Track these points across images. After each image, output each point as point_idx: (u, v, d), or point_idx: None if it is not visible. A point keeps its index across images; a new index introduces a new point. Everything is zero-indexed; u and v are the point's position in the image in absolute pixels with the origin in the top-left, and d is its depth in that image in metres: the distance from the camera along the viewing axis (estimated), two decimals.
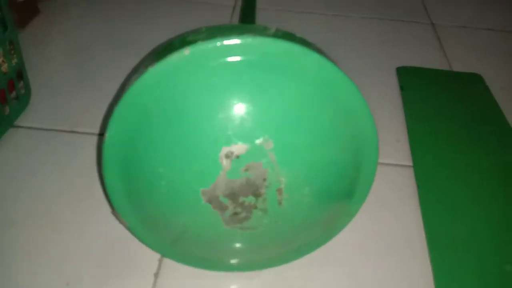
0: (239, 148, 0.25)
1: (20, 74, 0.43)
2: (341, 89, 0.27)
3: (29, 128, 0.43)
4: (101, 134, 0.43)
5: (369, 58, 0.58)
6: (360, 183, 0.30)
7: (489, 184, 0.41)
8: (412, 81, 0.53)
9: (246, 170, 0.26)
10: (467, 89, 0.52)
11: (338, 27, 0.63)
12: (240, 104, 0.25)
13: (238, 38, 0.25)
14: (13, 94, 0.43)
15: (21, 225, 0.35)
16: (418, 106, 0.50)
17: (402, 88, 0.52)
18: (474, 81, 0.53)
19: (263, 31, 0.26)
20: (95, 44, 0.55)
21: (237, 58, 0.25)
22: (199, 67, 0.25)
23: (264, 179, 0.26)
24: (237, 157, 0.25)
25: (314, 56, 0.26)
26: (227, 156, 0.25)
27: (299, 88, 0.26)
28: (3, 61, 0.40)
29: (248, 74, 0.25)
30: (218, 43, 0.25)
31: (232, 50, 0.25)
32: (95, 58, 0.53)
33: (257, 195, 0.26)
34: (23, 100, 0.44)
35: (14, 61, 0.42)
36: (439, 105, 0.50)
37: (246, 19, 0.51)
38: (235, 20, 0.61)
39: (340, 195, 0.29)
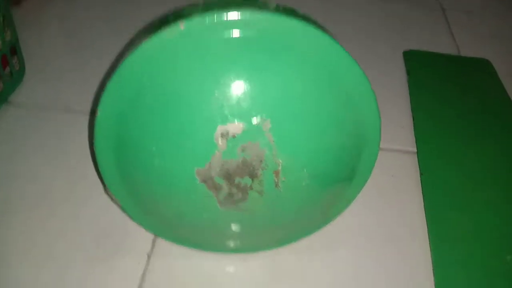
0: (235, 127, 0.24)
1: (14, 50, 0.42)
2: (345, 70, 0.25)
3: (22, 104, 0.42)
4: (93, 113, 0.42)
5: (376, 42, 0.56)
6: (361, 167, 0.29)
7: (494, 173, 0.40)
8: (419, 66, 0.51)
9: (243, 150, 0.24)
10: (474, 74, 0.50)
11: (345, 9, 0.62)
12: (237, 82, 0.24)
13: (235, 12, 0.23)
14: (7, 70, 0.42)
15: (13, 202, 0.34)
16: (424, 91, 0.48)
17: (408, 72, 0.50)
18: (482, 66, 0.51)
19: (263, 6, 0.25)
20: (90, 22, 0.54)
21: (235, 34, 0.24)
22: (195, 42, 0.24)
23: (261, 161, 0.25)
24: (233, 136, 0.24)
25: (316, 34, 0.24)
26: (223, 135, 0.24)
27: (299, 68, 0.24)
28: None
29: (246, 51, 0.24)
30: (215, 18, 0.23)
31: (229, 25, 0.23)
32: (89, 36, 0.52)
33: (253, 176, 0.25)
34: (17, 77, 0.43)
35: (8, 36, 0.40)
36: (445, 90, 0.48)
37: None
38: None
39: (339, 179, 0.28)
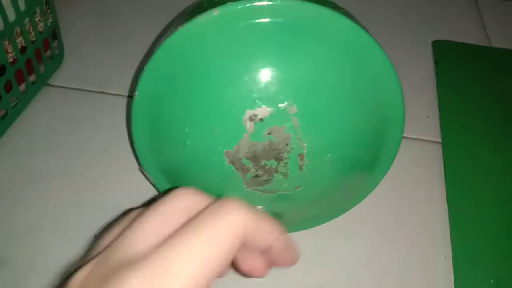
0: (263, 111, 0.25)
1: (54, 34, 0.44)
2: (371, 57, 0.26)
3: (62, 87, 0.45)
4: (130, 96, 0.44)
5: (404, 30, 0.56)
6: (384, 154, 0.30)
7: None
8: (448, 56, 0.51)
9: (269, 133, 0.26)
10: (505, 67, 0.50)
11: None
12: (267, 67, 0.25)
13: (268, 0, 0.24)
14: (48, 53, 0.44)
15: (48, 180, 0.37)
16: (452, 81, 0.48)
17: (436, 62, 0.50)
18: None
19: None
20: (127, 5, 0.56)
21: (266, 20, 0.25)
22: (228, 28, 0.25)
23: (287, 144, 0.26)
24: (261, 120, 0.25)
25: (344, 21, 0.25)
26: (251, 119, 0.25)
27: (327, 53, 0.25)
28: (39, 21, 0.41)
29: (276, 37, 0.25)
30: (248, 4, 0.24)
31: (261, 12, 0.25)
32: (126, 19, 0.54)
33: (278, 159, 0.27)
34: (57, 60, 0.46)
35: (50, 20, 0.43)
36: (474, 82, 0.48)
37: None
38: None
39: (362, 164, 0.29)
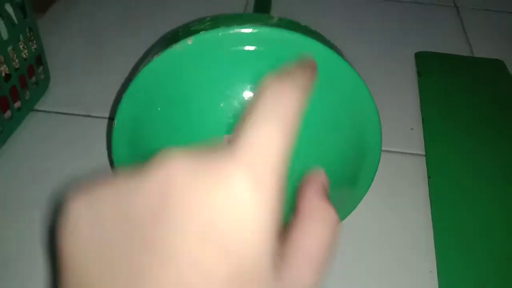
0: None
1: (39, 59, 0.45)
2: (344, 79, 0.27)
3: (48, 112, 0.45)
4: (111, 118, 0.44)
5: (387, 43, 0.56)
6: (363, 173, 0.30)
7: (506, 179, 0.40)
8: (430, 67, 0.52)
9: None
10: (487, 76, 0.50)
11: (356, 10, 0.62)
12: (242, 93, 0.26)
13: (239, 28, 0.25)
14: (33, 79, 0.44)
15: (35, 205, 0.37)
16: (435, 93, 0.48)
17: (419, 74, 0.51)
18: (495, 68, 0.51)
19: (266, 20, 0.26)
20: (112, 28, 0.56)
21: (239, 48, 0.25)
22: (202, 56, 0.25)
23: None
24: None
25: (317, 46, 0.26)
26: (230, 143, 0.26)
27: None
28: (23, 47, 0.41)
29: (250, 63, 0.26)
30: (220, 33, 0.25)
31: (233, 40, 0.25)
32: (111, 42, 0.54)
33: None
34: (43, 85, 0.46)
35: (34, 47, 0.43)
36: (457, 93, 0.48)
37: (260, 9, 0.51)
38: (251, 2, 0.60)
39: (342, 183, 0.30)
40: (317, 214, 0.17)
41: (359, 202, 0.32)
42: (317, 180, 0.19)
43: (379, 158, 0.30)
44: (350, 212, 0.32)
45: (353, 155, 0.29)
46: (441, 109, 0.47)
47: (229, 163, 0.13)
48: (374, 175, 0.31)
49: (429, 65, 0.52)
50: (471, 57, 0.53)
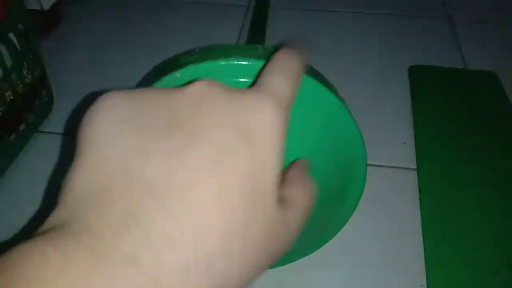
0: None
1: (42, 82, 0.46)
2: (324, 103, 0.28)
3: (52, 133, 0.47)
4: None
5: (381, 57, 0.57)
6: (350, 192, 0.31)
7: (497, 195, 0.40)
8: (424, 81, 0.53)
9: None
10: (479, 88, 0.51)
11: (350, 24, 0.63)
12: None
13: (225, 61, 0.26)
14: (37, 102, 0.46)
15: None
16: (428, 107, 0.49)
17: (412, 88, 0.52)
18: (487, 80, 0.52)
19: (252, 51, 0.27)
20: (116, 49, 0.58)
21: (226, 79, 0.27)
22: None
23: None
24: None
25: (309, 82, 0.26)
26: None
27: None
28: (26, 73, 0.43)
29: None
30: (206, 66, 0.26)
31: (220, 72, 0.26)
32: (115, 63, 0.56)
33: None
34: (46, 107, 0.48)
35: (37, 72, 0.45)
36: (449, 106, 0.49)
37: (253, 40, 0.53)
38: (248, 20, 0.62)
39: (328, 203, 0.31)
40: (303, 182, 0.22)
41: (347, 221, 0.33)
42: (301, 161, 0.25)
43: (364, 183, 0.31)
44: (338, 231, 0.33)
45: (339, 175, 0.30)
46: (434, 123, 0.47)
47: (254, 91, 0.18)
48: (360, 196, 0.32)
49: (422, 79, 0.53)
50: (464, 70, 0.54)
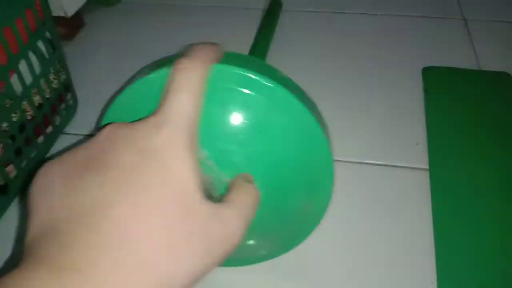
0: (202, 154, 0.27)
1: (67, 87, 0.49)
2: (293, 112, 0.27)
3: (76, 134, 0.49)
4: None
5: (395, 58, 0.58)
6: (320, 197, 0.31)
7: (510, 196, 0.41)
8: (437, 82, 0.53)
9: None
10: (493, 89, 0.51)
11: (363, 25, 0.64)
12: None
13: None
14: (62, 105, 0.49)
15: None
16: (441, 109, 0.50)
17: (425, 89, 0.52)
18: (501, 81, 0.52)
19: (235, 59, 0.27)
20: (136, 53, 0.60)
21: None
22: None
23: (210, 183, 0.26)
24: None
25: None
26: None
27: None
28: (53, 78, 0.46)
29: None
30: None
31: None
32: (135, 67, 0.58)
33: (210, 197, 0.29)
34: (71, 110, 0.50)
35: (62, 77, 0.47)
36: (463, 107, 0.50)
37: (256, 45, 0.53)
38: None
39: (299, 207, 0.31)
40: (243, 186, 0.24)
41: (322, 216, 0.32)
42: (244, 174, 0.26)
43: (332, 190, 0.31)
44: (308, 235, 0.33)
45: (307, 179, 0.30)
46: (446, 124, 0.48)
47: (151, 117, 0.21)
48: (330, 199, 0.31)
49: (435, 80, 0.54)
50: (477, 71, 0.55)
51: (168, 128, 0.20)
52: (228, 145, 0.27)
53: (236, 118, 0.27)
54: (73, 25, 0.62)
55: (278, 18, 0.62)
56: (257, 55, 0.51)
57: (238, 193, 0.23)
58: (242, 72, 0.26)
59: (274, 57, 0.52)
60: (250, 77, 0.26)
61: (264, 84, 0.26)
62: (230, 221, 0.21)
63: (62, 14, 0.57)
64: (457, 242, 0.38)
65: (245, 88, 0.26)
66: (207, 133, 0.26)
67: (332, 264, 0.37)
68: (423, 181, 0.43)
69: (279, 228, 0.32)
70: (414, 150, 0.46)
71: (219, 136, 0.27)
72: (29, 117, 0.42)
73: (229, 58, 0.27)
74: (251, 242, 0.32)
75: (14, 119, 0.40)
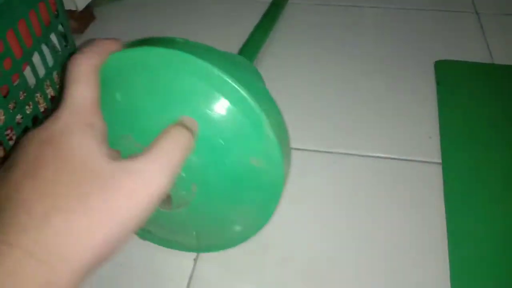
0: None
1: None
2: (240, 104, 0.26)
3: None
4: None
5: (407, 51, 0.58)
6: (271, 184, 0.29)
7: None
8: (450, 76, 0.53)
9: None
10: (506, 83, 0.51)
11: (375, 19, 0.64)
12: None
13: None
14: None
15: None
16: (454, 101, 0.50)
17: (438, 83, 0.52)
18: None
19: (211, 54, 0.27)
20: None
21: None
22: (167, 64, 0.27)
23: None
24: None
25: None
26: None
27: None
28: None
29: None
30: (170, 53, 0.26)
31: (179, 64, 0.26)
32: None
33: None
34: None
35: None
36: (475, 100, 0.49)
37: (252, 40, 0.53)
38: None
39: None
40: (168, 132, 0.24)
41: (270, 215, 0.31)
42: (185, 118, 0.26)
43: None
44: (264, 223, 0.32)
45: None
46: (459, 118, 0.48)
47: (54, 113, 0.23)
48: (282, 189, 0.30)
49: (448, 74, 0.53)
50: (490, 64, 0.54)
51: (64, 114, 0.22)
52: (149, 124, 0.27)
53: (148, 98, 0.27)
54: (83, 19, 0.62)
55: (281, 10, 0.62)
56: (250, 44, 0.52)
57: (159, 141, 0.23)
58: (139, 53, 0.27)
59: (293, 49, 0.52)
60: (146, 56, 0.27)
61: (163, 57, 0.27)
62: (144, 172, 0.21)
63: (73, 8, 0.57)
64: (470, 236, 0.38)
65: (143, 68, 0.27)
66: (126, 119, 0.27)
67: (344, 259, 0.37)
68: (436, 174, 0.43)
69: (238, 191, 0.30)
70: (427, 144, 0.46)
71: (139, 118, 0.27)
72: (42, 109, 0.42)
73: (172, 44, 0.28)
74: (220, 211, 0.31)
75: (28, 112, 0.40)
